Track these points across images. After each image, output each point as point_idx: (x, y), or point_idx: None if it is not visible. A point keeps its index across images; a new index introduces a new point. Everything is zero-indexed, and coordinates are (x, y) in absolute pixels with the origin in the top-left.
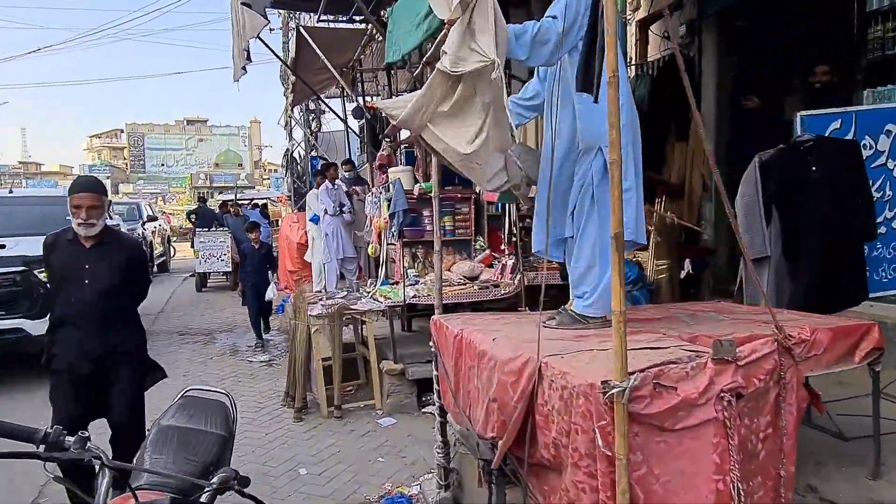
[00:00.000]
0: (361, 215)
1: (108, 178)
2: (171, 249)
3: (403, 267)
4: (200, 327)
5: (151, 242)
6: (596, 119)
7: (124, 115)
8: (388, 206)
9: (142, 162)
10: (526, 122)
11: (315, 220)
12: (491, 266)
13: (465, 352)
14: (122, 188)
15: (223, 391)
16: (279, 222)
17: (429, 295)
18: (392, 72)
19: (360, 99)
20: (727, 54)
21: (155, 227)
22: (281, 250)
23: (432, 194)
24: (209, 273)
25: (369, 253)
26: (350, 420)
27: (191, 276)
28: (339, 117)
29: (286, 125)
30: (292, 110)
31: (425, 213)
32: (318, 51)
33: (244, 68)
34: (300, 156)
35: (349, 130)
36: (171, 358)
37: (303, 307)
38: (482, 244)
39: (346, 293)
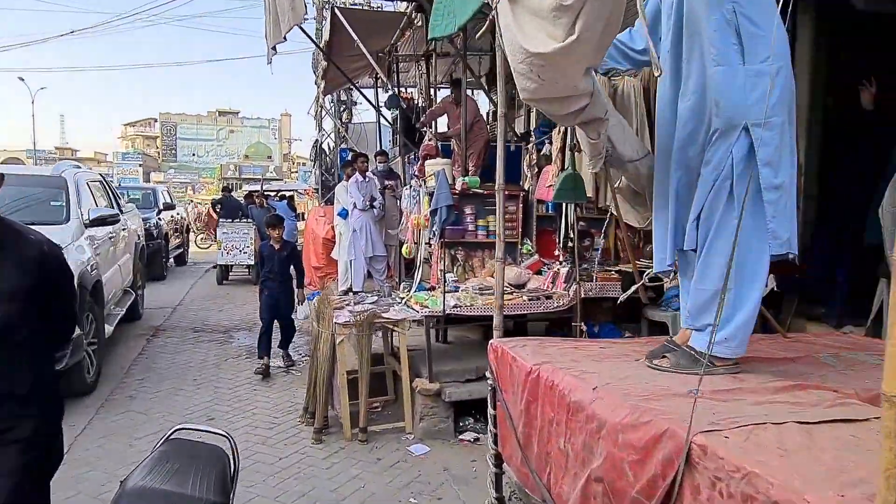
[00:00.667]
0: (394, 211)
1: (140, 165)
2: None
3: (441, 270)
4: (218, 324)
5: (167, 233)
6: (738, 87)
7: (158, 104)
8: (429, 201)
9: (173, 151)
10: (616, 70)
11: (343, 214)
12: (540, 273)
13: (543, 396)
14: (153, 176)
15: (222, 432)
16: (305, 215)
17: (471, 305)
18: (431, 60)
19: (396, 87)
20: (822, 34)
21: (172, 217)
22: (306, 245)
23: (495, 187)
24: (231, 265)
25: (403, 253)
26: (377, 444)
27: (213, 267)
28: (373, 105)
29: (316, 115)
30: (323, 99)
31: (467, 210)
32: (352, 33)
33: (274, 48)
34: (329, 147)
35: (382, 121)
36: (182, 359)
37: (327, 313)
38: (530, 248)
39: (376, 298)
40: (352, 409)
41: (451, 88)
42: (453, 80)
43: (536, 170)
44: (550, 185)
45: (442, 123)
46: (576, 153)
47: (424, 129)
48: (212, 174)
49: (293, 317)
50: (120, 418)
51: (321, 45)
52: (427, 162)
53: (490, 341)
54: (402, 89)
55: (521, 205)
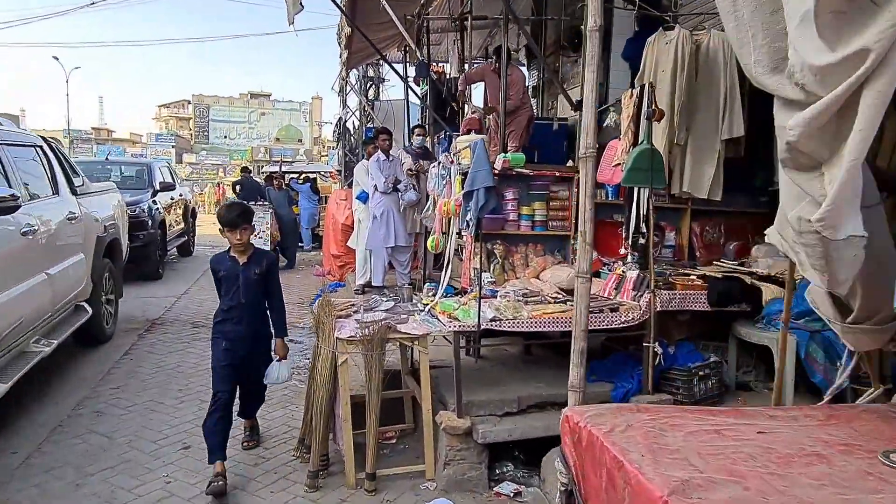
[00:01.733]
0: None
1: (172, 146)
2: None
3: (474, 269)
4: None
5: (164, 221)
6: None
7: (192, 84)
8: (462, 182)
9: (206, 133)
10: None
11: (363, 198)
12: (598, 275)
13: None
14: (185, 157)
15: None
16: (327, 199)
17: (514, 317)
18: (465, 24)
19: (425, 56)
20: None
21: (173, 199)
22: (326, 231)
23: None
24: None
25: (429, 247)
26: (387, 495)
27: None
28: (401, 77)
29: (340, 91)
30: (347, 74)
31: (508, 195)
32: None
33: (301, 3)
34: (354, 126)
35: (411, 98)
36: (172, 361)
37: (327, 324)
38: None
39: (391, 302)
40: (358, 440)
41: (492, 58)
42: (496, 49)
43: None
44: (618, 165)
45: (476, 99)
46: (654, 122)
47: (461, 101)
48: (243, 156)
49: (266, 380)
50: (77, 443)
51: (342, 5)
52: (460, 137)
53: (564, 411)
54: (433, 63)
55: (574, 189)
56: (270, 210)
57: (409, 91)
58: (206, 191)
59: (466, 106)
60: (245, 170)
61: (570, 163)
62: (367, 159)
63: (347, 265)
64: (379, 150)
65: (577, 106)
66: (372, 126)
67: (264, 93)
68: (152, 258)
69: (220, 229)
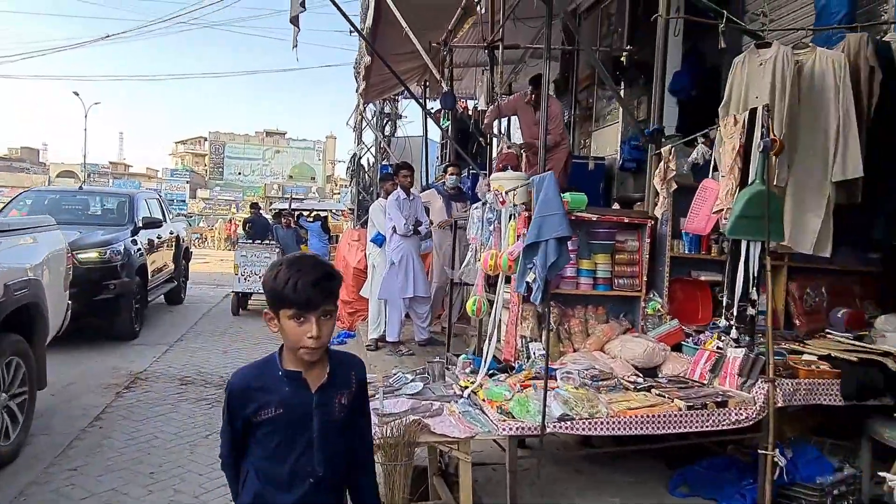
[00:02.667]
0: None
1: (187, 182)
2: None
3: (522, 338)
4: (216, 372)
5: (145, 265)
6: None
7: (207, 120)
8: (515, 228)
9: (220, 169)
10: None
11: (378, 240)
12: (679, 350)
13: None
14: (199, 193)
15: None
16: (338, 238)
17: (591, 416)
18: (496, 54)
19: (450, 83)
20: None
21: (160, 238)
22: None
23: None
24: (250, 293)
25: (469, 311)
26: None
27: (229, 295)
28: (422, 105)
29: (356, 126)
30: (364, 108)
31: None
32: (400, 18)
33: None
34: (369, 163)
35: (431, 135)
36: (149, 431)
37: None
38: (658, 306)
39: (419, 383)
40: None
41: (530, 86)
42: (532, 78)
43: (674, 186)
44: (720, 211)
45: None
46: (772, 157)
47: (489, 135)
48: (256, 192)
49: None
50: None
51: (363, 32)
52: (496, 175)
53: None
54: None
55: (647, 240)
56: (278, 250)
57: (430, 126)
58: (216, 226)
59: (497, 141)
60: (254, 206)
61: (615, 205)
62: (385, 197)
63: (358, 313)
64: (399, 188)
65: (653, 135)
66: (388, 163)
67: (279, 131)
68: (125, 312)
69: (266, 312)
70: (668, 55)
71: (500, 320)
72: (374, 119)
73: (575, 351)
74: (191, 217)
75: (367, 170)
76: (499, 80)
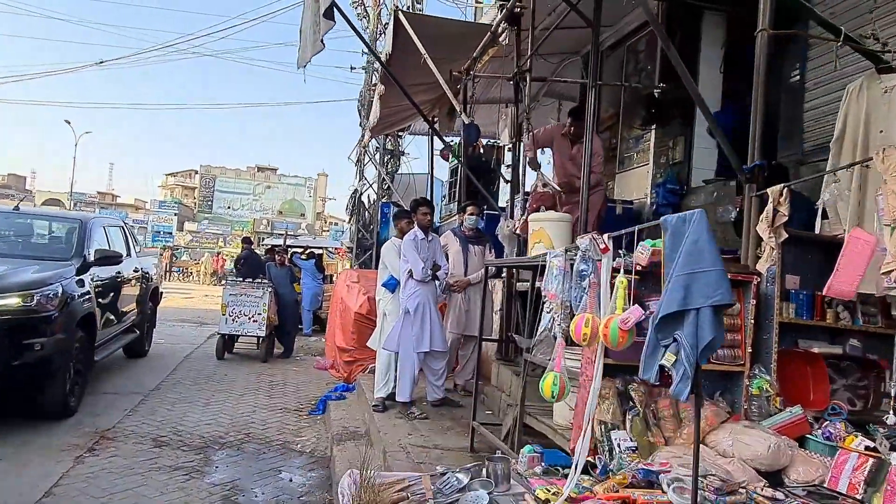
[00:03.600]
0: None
1: (175, 214)
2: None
3: (603, 425)
4: (195, 430)
5: (92, 314)
6: None
7: (199, 153)
8: (625, 286)
9: (210, 202)
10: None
11: (391, 285)
12: (801, 443)
13: None
14: (186, 225)
15: None
16: (334, 278)
17: None
18: (521, 84)
19: (471, 115)
20: None
21: (119, 276)
22: (332, 316)
23: None
24: (237, 336)
25: (545, 393)
26: None
27: (214, 336)
28: (444, 140)
29: (358, 160)
30: (368, 141)
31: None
32: (419, 45)
33: (323, 42)
34: (370, 200)
35: (438, 172)
36: None
37: None
38: (765, 384)
39: (481, 490)
40: None
41: (569, 118)
42: (573, 110)
43: (784, 235)
44: (890, 271)
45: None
46: None
47: (535, 169)
48: (245, 227)
49: None
50: None
51: (381, 58)
52: (535, 216)
53: None
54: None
55: (751, 301)
56: (270, 289)
57: (437, 163)
58: (202, 260)
59: (537, 177)
60: (246, 241)
61: None
62: (399, 236)
63: (357, 363)
64: (416, 227)
65: (753, 171)
66: (389, 202)
67: (271, 167)
68: (57, 383)
69: None
70: (709, 93)
71: (593, 412)
72: (377, 154)
73: (666, 442)
74: (176, 249)
75: (367, 207)
76: (526, 109)
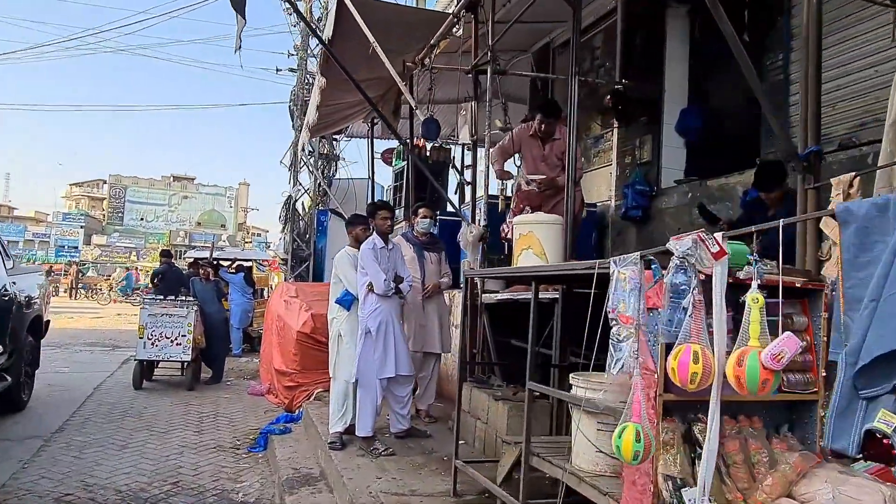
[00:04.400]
0: (440, 306)
1: (82, 227)
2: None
3: (669, 480)
4: (111, 483)
5: None
6: None
7: (108, 161)
8: (761, 307)
9: (120, 214)
10: None
11: (347, 301)
12: None
13: None
14: (94, 239)
15: None
16: (266, 293)
17: None
18: (479, 79)
19: (430, 109)
20: None
21: None
22: (267, 335)
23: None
24: (157, 361)
25: (620, 452)
26: None
27: (129, 361)
28: (402, 141)
29: (291, 165)
30: (305, 144)
31: None
32: (365, 29)
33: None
34: (304, 206)
35: (381, 178)
36: None
37: None
38: None
39: None
40: None
41: (538, 115)
42: (542, 105)
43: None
44: None
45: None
46: None
47: (503, 181)
48: (160, 239)
49: None
50: None
51: (323, 42)
52: (519, 219)
53: None
54: (416, 138)
55: (822, 314)
56: (196, 307)
57: (417, 160)
58: (113, 276)
59: (518, 174)
60: (165, 254)
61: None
62: (355, 245)
63: (301, 388)
64: (375, 234)
65: (808, 158)
66: (325, 209)
67: (188, 176)
68: None
69: None
70: (674, 91)
71: (710, 471)
72: (312, 159)
73: (744, 498)
74: (83, 265)
75: (302, 215)
76: (487, 110)
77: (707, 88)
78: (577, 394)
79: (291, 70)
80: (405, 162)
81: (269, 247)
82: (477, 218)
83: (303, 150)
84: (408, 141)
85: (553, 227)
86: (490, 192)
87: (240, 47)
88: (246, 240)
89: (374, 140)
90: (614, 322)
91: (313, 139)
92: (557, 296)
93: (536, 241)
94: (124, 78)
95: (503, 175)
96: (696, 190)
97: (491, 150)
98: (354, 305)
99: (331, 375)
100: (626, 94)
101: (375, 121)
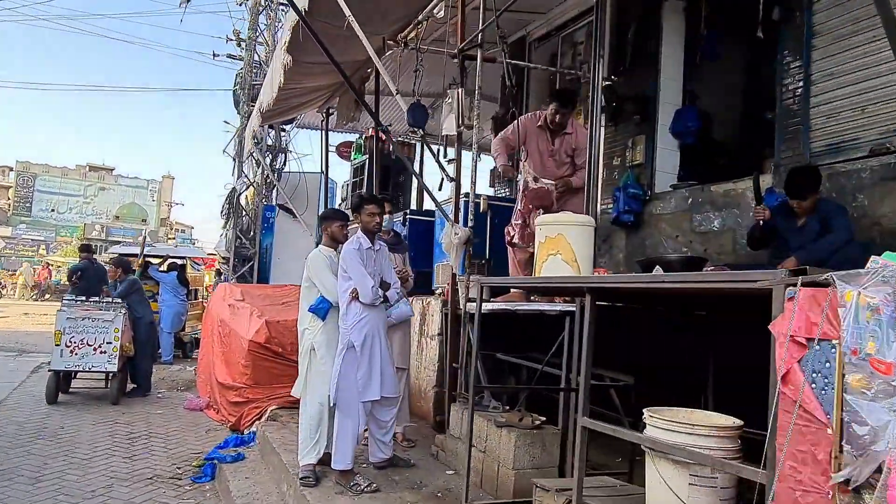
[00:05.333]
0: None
1: None
2: None
3: None
4: None
5: None
6: None
7: (18, 151)
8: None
9: (28, 204)
10: None
11: (323, 309)
12: None
13: None
14: None
15: None
16: (199, 294)
17: None
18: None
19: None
20: None
21: None
22: (206, 342)
23: None
24: (75, 372)
25: None
26: None
27: (40, 370)
28: (378, 121)
29: (237, 155)
30: (256, 130)
31: None
32: (342, 2)
33: None
34: (248, 201)
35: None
36: None
37: None
38: None
39: None
40: None
41: (553, 104)
42: (559, 93)
43: None
44: None
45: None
46: None
47: (508, 178)
48: (73, 233)
49: None
50: None
51: (300, 9)
52: (542, 219)
53: None
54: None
55: None
56: (124, 311)
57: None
58: (20, 271)
59: (523, 171)
60: (85, 248)
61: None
62: (331, 245)
63: (251, 404)
64: (360, 232)
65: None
66: (273, 205)
67: (106, 166)
68: None
69: None
70: (667, 91)
71: None
72: (257, 150)
73: None
74: None
75: (246, 210)
76: (475, 96)
77: (703, 88)
78: (655, 436)
79: (231, 57)
80: (366, 156)
81: (194, 243)
82: (464, 218)
83: (252, 137)
84: (375, 132)
85: (586, 230)
86: (475, 193)
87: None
88: (169, 236)
89: (329, 132)
90: (856, 369)
91: (263, 126)
92: (573, 308)
93: (567, 246)
94: (36, 51)
95: (507, 171)
96: (697, 195)
97: (492, 140)
98: (331, 314)
99: (295, 395)
100: (618, 90)
101: (331, 111)
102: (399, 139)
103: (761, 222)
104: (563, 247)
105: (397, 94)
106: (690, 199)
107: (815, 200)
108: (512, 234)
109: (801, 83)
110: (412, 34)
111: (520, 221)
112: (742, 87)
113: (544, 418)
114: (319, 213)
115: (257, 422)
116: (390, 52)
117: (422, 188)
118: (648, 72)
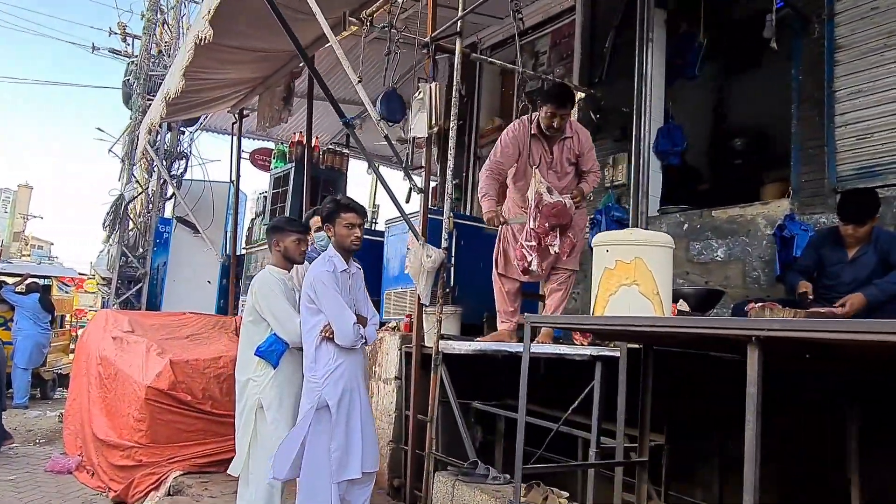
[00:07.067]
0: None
1: None
2: None
3: None
4: None
5: None
6: None
7: None
8: None
9: None
10: None
11: (272, 352)
12: None
13: None
14: None
15: None
16: (66, 319)
17: None
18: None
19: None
20: None
21: None
22: (79, 381)
23: None
24: None
25: None
26: None
27: None
28: (349, 122)
29: (127, 158)
30: (157, 125)
31: None
32: None
33: None
34: (136, 212)
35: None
36: None
37: None
38: None
39: None
40: None
41: (547, 106)
42: (554, 91)
43: None
44: None
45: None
46: None
47: (496, 224)
48: None
49: None
50: None
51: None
52: (599, 237)
53: None
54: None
55: None
56: None
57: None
58: None
59: (535, 180)
60: None
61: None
62: (284, 265)
63: (146, 470)
64: (332, 249)
65: None
66: (169, 218)
67: None
68: None
69: None
70: (651, 108)
71: None
72: (156, 151)
73: None
74: None
75: (134, 222)
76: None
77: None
78: None
79: (114, 51)
80: (291, 165)
81: (51, 261)
82: (430, 237)
83: (149, 133)
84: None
85: (666, 254)
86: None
87: None
88: (23, 252)
89: (242, 138)
90: None
91: (166, 121)
92: (615, 353)
93: (647, 274)
94: None
95: (494, 220)
96: (694, 220)
97: (491, 160)
98: (286, 359)
99: (234, 473)
100: (594, 107)
101: (245, 113)
102: (329, 148)
103: (809, 296)
104: (641, 275)
105: (359, 82)
106: (687, 225)
107: (871, 228)
108: (528, 260)
109: (823, 101)
110: (381, 11)
111: (534, 243)
112: (718, 107)
113: (567, 494)
114: (226, 228)
115: (153, 492)
116: (348, 32)
117: (426, 194)
118: (623, 82)
